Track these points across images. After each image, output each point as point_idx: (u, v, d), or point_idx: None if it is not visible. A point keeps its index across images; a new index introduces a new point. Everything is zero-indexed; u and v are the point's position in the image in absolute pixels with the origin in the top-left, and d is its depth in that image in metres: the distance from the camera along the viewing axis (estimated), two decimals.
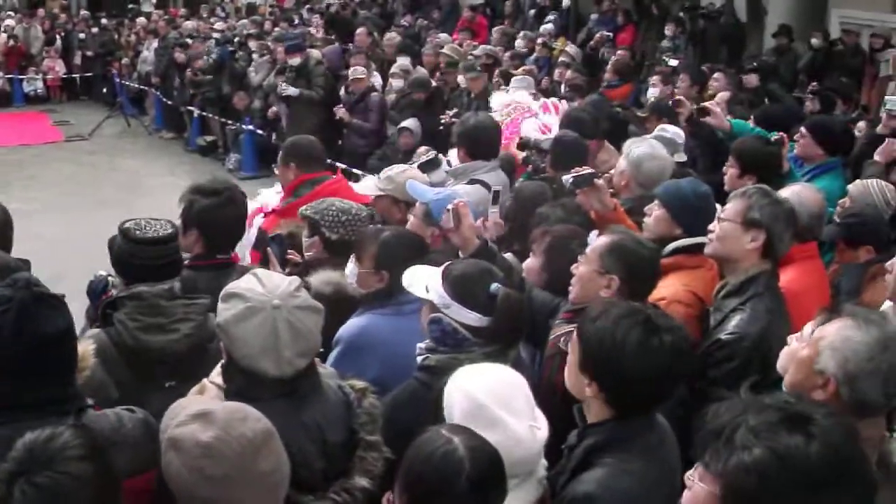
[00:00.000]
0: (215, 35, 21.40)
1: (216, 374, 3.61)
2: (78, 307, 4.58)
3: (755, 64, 14.21)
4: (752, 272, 4.56)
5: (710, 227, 4.71)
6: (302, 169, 6.73)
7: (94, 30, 27.66)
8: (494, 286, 3.96)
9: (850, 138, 8.58)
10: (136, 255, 4.29)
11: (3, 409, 3.15)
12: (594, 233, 4.87)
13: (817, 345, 3.26)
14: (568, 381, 3.57)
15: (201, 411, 2.91)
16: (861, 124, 10.42)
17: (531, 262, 5.10)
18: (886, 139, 8.52)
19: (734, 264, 4.64)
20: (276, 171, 7.11)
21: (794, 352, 3.38)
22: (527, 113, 9.15)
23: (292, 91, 14.91)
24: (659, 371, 3.36)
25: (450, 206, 5.05)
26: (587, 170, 5.64)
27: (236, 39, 20.02)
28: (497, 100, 9.76)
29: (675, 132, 7.76)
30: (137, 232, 4.32)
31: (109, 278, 4.74)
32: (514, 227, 5.99)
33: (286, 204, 6.59)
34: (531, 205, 6.02)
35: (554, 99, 10.25)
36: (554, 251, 4.94)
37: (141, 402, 3.65)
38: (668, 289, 4.79)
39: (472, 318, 3.93)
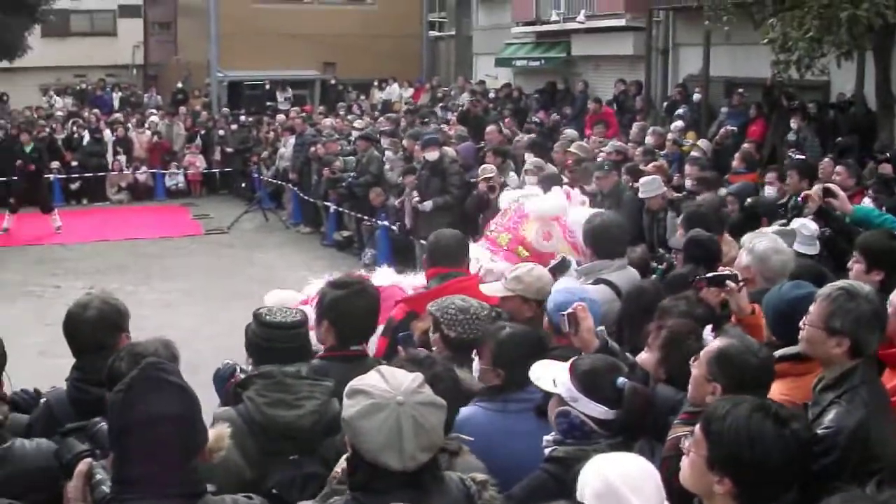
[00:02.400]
0: (355, 133, 21.80)
1: None
2: (212, 397, 4.76)
3: (888, 154, 13.85)
4: (844, 368, 4.45)
5: (801, 323, 4.60)
6: (435, 263, 6.86)
7: (234, 127, 28.65)
8: (621, 380, 4.03)
9: None
10: (265, 337, 4.60)
11: (116, 485, 3.34)
12: (708, 328, 4.85)
13: None
14: (689, 480, 3.53)
15: None
16: None
17: (646, 357, 5.03)
18: None
19: (826, 362, 4.55)
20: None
21: None
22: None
23: (427, 206, 15.32)
24: (792, 459, 3.40)
25: (566, 312, 5.09)
26: (726, 271, 5.61)
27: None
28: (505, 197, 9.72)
29: (802, 224, 7.79)
30: (268, 317, 4.66)
31: (237, 367, 4.92)
32: (625, 326, 6.01)
33: (416, 294, 6.71)
34: (639, 305, 6.04)
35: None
36: (670, 347, 4.89)
37: (267, 473, 3.99)
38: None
39: (600, 411, 4.00)
